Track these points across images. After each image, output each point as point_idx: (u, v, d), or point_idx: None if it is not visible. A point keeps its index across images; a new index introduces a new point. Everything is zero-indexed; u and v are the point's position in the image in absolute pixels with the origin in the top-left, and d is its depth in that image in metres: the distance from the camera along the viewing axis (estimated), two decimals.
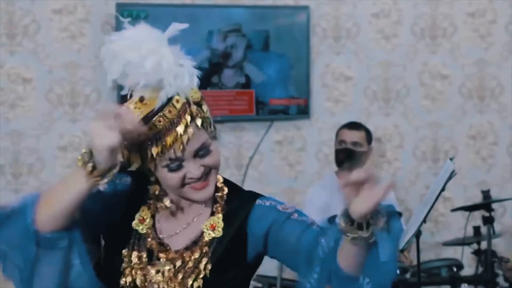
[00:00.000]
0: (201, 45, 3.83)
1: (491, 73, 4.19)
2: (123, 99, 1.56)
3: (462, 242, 3.54)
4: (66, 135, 3.77)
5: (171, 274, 1.54)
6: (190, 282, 1.53)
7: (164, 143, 1.49)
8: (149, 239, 1.57)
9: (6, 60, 3.71)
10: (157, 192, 1.59)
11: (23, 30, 3.72)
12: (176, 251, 1.57)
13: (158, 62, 1.49)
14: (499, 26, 4.17)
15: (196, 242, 1.57)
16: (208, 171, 1.55)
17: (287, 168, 4.02)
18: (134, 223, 1.58)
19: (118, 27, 3.74)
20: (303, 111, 3.98)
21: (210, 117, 1.56)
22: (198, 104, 1.54)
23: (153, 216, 1.60)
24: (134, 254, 1.56)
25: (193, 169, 1.53)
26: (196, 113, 1.52)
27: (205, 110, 1.55)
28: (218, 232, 1.57)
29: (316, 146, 4.03)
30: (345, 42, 4.06)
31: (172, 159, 1.51)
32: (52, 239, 1.46)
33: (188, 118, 1.50)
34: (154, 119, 1.48)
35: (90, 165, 1.42)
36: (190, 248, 1.56)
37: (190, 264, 1.55)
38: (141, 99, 1.50)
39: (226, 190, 1.62)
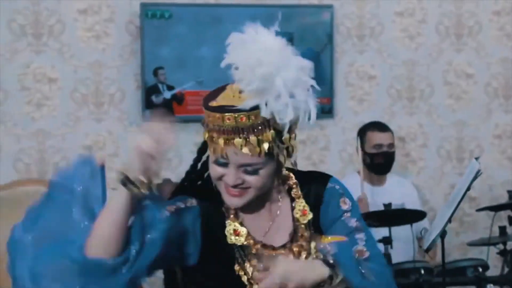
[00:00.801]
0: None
1: None
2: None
3: (487, 243, 3.51)
4: (91, 134, 3.79)
5: None
6: None
7: (219, 141, 1.52)
8: (252, 246, 1.59)
9: (32, 60, 3.74)
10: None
11: (49, 30, 3.75)
12: (283, 246, 1.60)
13: (270, 78, 1.48)
14: None
15: (295, 231, 1.61)
16: (246, 187, 1.56)
17: (310, 167, 4.01)
18: (231, 239, 1.59)
19: (143, 26, 3.76)
20: (327, 111, 3.97)
21: (293, 149, 1.56)
22: (279, 132, 1.53)
23: (241, 224, 1.61)
24: (247, 265, 1.58)
25: (231, 175, 1.54)
26: (268, 138, 1.51)
27: (284, 141, 1.54)
28: (310, 215, 1.62)
29: (339, 145, 4.02)
30: (369, 41, 4.04)
31: (221, 156, 1.54)
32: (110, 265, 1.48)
33: (254, 138, 1.50)
34: (226, 114, 1.50)
35: (124, 177, 1.47)
36: (294, 239, 1.61)
37: (304, 253, 1.60)
38: (240, 91, 1.52)
39: (292, 176, 1.65)
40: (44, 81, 3.76)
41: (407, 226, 3.31)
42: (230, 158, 1.53)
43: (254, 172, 1.54)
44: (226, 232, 1.59)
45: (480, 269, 3.44)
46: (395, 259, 3.23)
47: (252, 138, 1.50)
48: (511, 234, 3.41)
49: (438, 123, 4.12)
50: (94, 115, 3.80)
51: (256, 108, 1.50)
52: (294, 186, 1.64)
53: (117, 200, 1.50)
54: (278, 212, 1.63)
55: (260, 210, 1.63)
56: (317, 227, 1.63)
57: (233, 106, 1.50)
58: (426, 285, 3.22)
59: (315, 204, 1.64)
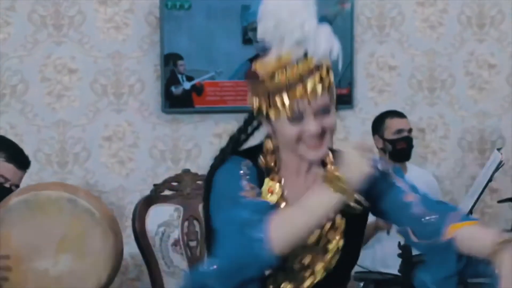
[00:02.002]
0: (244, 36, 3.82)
1: None
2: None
3: None
4: (111, 125, 3.81)
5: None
6: (334, 241, 1.64)
7: (293, 93, 1.57)
8: (281, 207, 1.62)
9: (53, 50, 3.76)
10: (271, 147, 1.65)
11: (69, 21, 3.76)
12: None
13: (302, 23, 1.58)
14: None
15: None
16: (324, 132, 1.62)
17: None
18: (265, 197, 1.62)
19: (162, 17, 3.76)
20: (347, 101, 3.95)
21: (334, 86, 1.65)
22: (327, 69, 1.62)
23: (279, 186, 1.65)
24: None
25: (312, 125, 1.59)
26: (326, 76, 1.60)
27: (331, 76, 1.63)
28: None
29: (359, 136, 4.00)
30: (390, 31, 4.01)
31: (295, 111, 1.58)
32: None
33: (318, 77, 1.59)
34: (287, 68, 1.57)
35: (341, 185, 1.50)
36: None
37: (327, 224, 1.64)
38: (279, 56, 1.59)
39: (329, 152, 1.70)
40: (64, 72, 3.77)
41: None
42: (305, 106, 1.58)
43: (327, 112, 1.62)
44: (262, 190, 1.64)
45: None
46: (416, 250, 3.21)
47: (317, 76, 1.59)
48: None
49: (459, 114, 4.08)
50: (114, 106, 3.82)
51: (305, 55, 1.60)
52: (328, 161, 1.69)
53: (324, 202, 1.51)
54: (316, 181, 1.65)
55: (300, 176, 1.67)
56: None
57: (288, 62, 1.59)
58: None
59: None
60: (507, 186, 4.06)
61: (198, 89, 3.82)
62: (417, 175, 3.69)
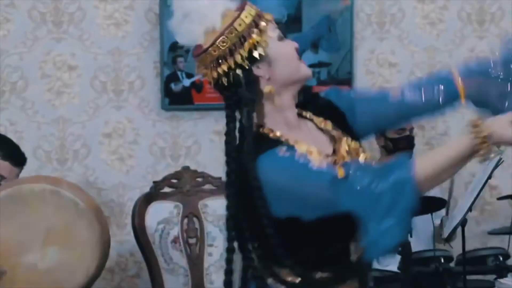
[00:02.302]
0: None
1: None
2: None
3: (508, 231, 3.48)
4: (111, 121, 3.81)
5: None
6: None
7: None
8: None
9: (53, 47, 3.75)
10: (272, 91, 1.66)
11: (69, 18, 3.76)
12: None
13: None
14: None
15: (333, 139, 1.73)
16: None
17: None
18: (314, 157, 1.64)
19: (162, 14, 3.76)
20: None
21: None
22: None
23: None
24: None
25: (291, 42, 1.70)
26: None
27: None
28: (329, 122, 1.77)
29: None
30: (390, 28, 4.01)
31: (277, 27, 1.69)
32: None
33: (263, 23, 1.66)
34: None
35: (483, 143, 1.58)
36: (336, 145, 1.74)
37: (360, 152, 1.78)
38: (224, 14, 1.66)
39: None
40: (64, 68, 3.77)
41: (427, 215, 3.29)
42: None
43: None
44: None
45: (501, 258, 3.42)
46: (415, 247, 3.21)
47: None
48: None
49: (459, 111, 4.05)
50: (114, 103, 3.82)
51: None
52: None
53: (463, 148, 1.60)
54: (311, 127, 1.73)
55: (302, 127, 1.72)
56: (344, 125, 1.77)
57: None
58: (446, 274, 3.20)
59: (323, 110, 1.77)
60: (507, 183, 4.05)
61: (197, 86, 3.82)
62: None
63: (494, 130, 1.59)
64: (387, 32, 4.01)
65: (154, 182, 3.52)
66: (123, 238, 3.71)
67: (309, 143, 1.66)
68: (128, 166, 3.82)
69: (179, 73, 3.80)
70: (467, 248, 3.31)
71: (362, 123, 1.81)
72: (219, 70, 1.67)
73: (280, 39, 1.68)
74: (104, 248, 2.62)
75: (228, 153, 1.64)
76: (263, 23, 1.65)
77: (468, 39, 4.06)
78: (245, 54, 1.63)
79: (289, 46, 1.68)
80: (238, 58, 1.64)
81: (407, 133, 3.58)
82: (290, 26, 3.87)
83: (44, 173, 3.66)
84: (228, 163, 1.64)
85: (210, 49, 1.65)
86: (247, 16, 1.64)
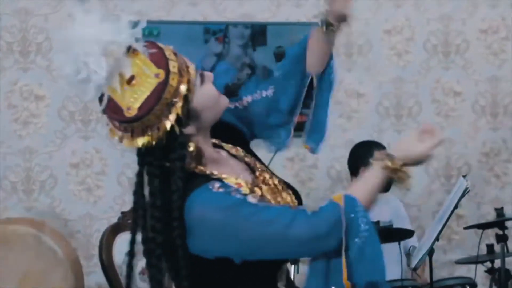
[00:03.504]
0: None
1: (504, 90, 4.16)
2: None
3: (475, 261, 3.51)
4: (78, 152, 3.78)
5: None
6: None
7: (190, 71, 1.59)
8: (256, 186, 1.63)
9: (19, 77, 3.73)
10: (194, 149, 1.57)
11: (37, 48, 3.74)
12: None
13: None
14: None
15: (247, 165, 1.70)
16: None
17: (298, 185, 4.00)
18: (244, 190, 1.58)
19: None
20: None
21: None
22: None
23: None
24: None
25: (208, 74, 1.63)
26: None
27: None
28: (239, 149, 1.74)
29: (328, 163, 4.02)
30: (357, 59, 4.05)
31: (199, 73, 1.60)
32: None
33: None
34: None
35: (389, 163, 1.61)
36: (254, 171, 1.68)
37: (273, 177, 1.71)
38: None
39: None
40: (31, 98, 3.75)
41: (395, 244, 3.30)
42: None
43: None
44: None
45: None
46: None
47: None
48: (499, 252, 3.40)
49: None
50: (82, 133, 3.79)
51: None
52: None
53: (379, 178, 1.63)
54: (226, 156, 1.68)
55: (220, 158, 1.65)
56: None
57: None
58: None
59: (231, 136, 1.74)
60: (473, 213, 4.09)
61: None
62: (384, 201, 3.71)
63: (403, 152, 1.64)
64: (354, 63, 4.05)
65: (122, 212, 3.48)
66: (90, 269, 3.66)
67: (234, 175, 1.60)
68: (95, 196, 3.79)
69: None
70: (435, 277, 3.33)
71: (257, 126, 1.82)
72: (149, 137, 1.54)
73: (202, 82, 1.59)
74: None
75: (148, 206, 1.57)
76: (183, 87, 1.53)
77: (434, 69, 4.12)
78: (173, 120, 1.52)
79: (209, 86, 1.59)
80: (167, 126, 1.52)
81: None
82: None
83: (9, 205, 3.62)
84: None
85: (145, 117, 1.51)
86: (173, 78, 1.52)
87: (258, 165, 1.71)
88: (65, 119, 3.78)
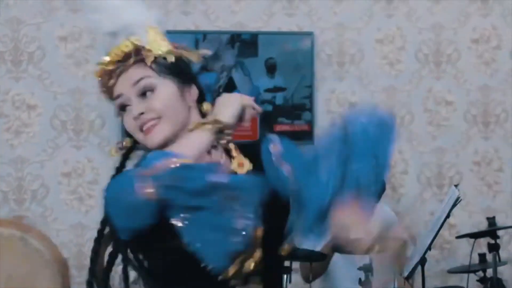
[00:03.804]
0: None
1: (496, 99, 4.18)
2: None
3: (467, 270, 3.51)
4: (70, 161, 3.77)
5: None
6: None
7: (108, 84, 1.56)
8: None
9: (11, 86, 3.72)
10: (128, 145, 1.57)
11: (28, 57, 3.74)
12: None
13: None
14: (504, 52, 4.17)
15: None
16: (156, 116, 1.52)
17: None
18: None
19: None
20: (307, 137, 3.97)
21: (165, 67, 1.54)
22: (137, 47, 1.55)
23: None
24: None
25: (133, 109, 1.51)
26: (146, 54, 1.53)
27: (148, 52, 1.54)
28: (248, 165, 1.59)
29: None
30: (349, 68, 4.06)
31: (115, 97, 1.54)
32: None
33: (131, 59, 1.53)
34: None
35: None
36: None
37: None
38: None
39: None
40: (23, 108, 3.74)
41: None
42: (121, 90, 1.56)
43: (152, 91, 1.53)
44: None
45: None
46: (375, 286, 3.21)
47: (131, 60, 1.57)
48: (491, 262, 3.41)
49: (418, 150, 4.13)
50: (74, 142, 3.78)
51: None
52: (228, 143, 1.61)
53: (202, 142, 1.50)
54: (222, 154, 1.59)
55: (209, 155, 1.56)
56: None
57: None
58: None
59: (252, 156, 1.61)
60: (465, 222, 4.10)
61: None
62: (377, 209, 3.71)
63: (218, 114, 1.52)
64: (347, 72, 4.06)
65: None
66: (82, 279, 3.64)
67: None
68: (87, 206, 3.78)
69: None
70: (427, 287, 3.33)
71: None
72: None
73: (120, 110, 1.56)
74: None
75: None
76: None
77: (426, 79, 4.13)
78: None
79: (127, 121, 1.55)
80: None
81: None
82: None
83: (1, 214, 3.60)
84: None
85: None
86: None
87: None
88: (57, 129, 3.77)
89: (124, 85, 1.53)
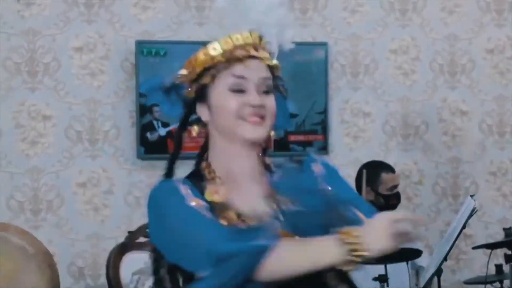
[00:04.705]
0: None
1: (511, 109, 4.17)
2: None
3: (484, 281, 3.49)
4: (85, 171, 3.78)
5: None
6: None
7: (235, 63, 1.55)
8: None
9: (27, 97, 3.75)
10: (196, 131, 1.64)
11: (44, 68, 3.76)
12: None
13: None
14: None
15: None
16: (264, 112, 1.55)
17: None
18: (207, 196, 1.56)
19: (138, 64, 3.77)
20: (322, 147, 3.97)
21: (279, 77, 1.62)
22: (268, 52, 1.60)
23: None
24: None
25: (253, 96, 1.54)
26: (266, 56, 1.59)
27: (274, 61, 1.61)
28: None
29: None
30: (363, 78, 4.06)
31: (236, 75, 1.54)
32: None
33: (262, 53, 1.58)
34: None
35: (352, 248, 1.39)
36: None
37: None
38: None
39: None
40: (38, 118, 3.76)
41: (403, 264, 3.29)
42: (248, 75, 1.55)
43: (269, 93, 1.56)
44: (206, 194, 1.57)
45: None
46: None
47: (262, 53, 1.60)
48: (507, 273, 3.38)
49: (433, 160, 4.12)
50: (89, 152, 3.80)
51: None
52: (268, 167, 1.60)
53: (330, 256, 1.41)
54: (256, 192, 1.57)
55: (244, 183, 1.56)
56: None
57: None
58: None
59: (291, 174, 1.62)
60: (481, 232, 4.07)
61: (173, 136, 3.82)
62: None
63: (366, 240, 1.39)
64: (361, 82, 4.06)
65: (129, 232, 3.47)
66: None
67: (231, 203, 1.53)
68: (102, 216, 3.79)
69: (155, 122, 3.81)
70: None
71: None
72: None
73: (233, 90, 1.55)
74: None
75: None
76: (213, 72, 1.57)
77: (440, 89, 4.12)
78: (193, 92, 1.61)
79: (234, 101, 1.54)
80: (190, 92, 1.62)
81: (396, 189, 3.60)
82: None
83: (17, 224, 3.61)
84: None
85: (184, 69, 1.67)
86: (215, 48, 1.60)
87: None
88: (72, 139, 3.79)
89: (256, 73, 1.56)
